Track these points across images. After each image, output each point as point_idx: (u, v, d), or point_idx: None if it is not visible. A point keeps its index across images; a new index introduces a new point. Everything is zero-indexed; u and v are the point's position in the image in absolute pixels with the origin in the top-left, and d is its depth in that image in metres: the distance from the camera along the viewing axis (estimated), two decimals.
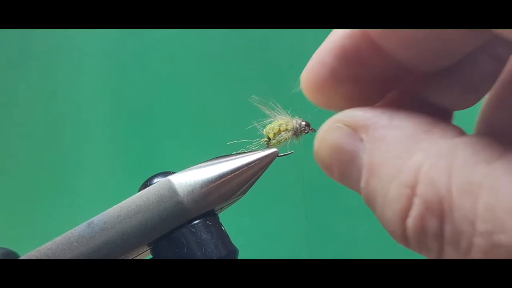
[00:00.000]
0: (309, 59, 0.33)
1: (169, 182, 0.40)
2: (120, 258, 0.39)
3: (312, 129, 0.50)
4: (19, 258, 0.39)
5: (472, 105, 0.35)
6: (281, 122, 0.50)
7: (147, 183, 0.41)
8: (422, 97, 0.34)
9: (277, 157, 0.44)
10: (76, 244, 0.38)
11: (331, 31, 0.32)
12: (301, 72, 0.34)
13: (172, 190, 0.40)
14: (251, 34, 1.10)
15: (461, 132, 0.28)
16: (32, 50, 1.18)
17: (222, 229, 0.42)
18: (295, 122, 0.50)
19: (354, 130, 0.30)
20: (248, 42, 1.11)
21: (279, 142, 0.50)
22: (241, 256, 0.43)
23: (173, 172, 0.42)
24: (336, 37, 0.31)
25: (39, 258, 0.38)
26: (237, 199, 0.44)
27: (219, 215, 0.44)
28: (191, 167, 0.42)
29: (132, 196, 0.41)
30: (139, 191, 0.41)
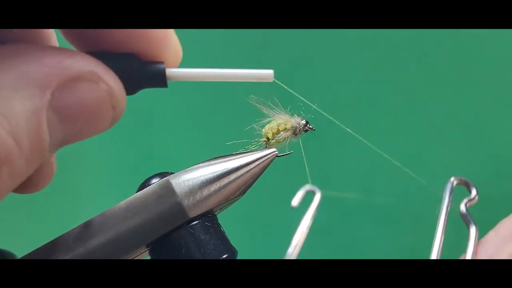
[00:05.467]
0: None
1: (168, 182, 0.40)
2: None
3: (311, 128, 0.50)
4: (16, 259, 0.39)
5: None
6: (280, 122, 0.49)
7: (145, 184, 0.41)
8: None
9: (276, 157, 0.44)
10: (74, 245, 0.38)
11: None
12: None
13: (170, 190, 0.40)
14: (251, 33, 1.10)
15: None
16: None
17: (221, 230, 0.42)
18: (294, 121, 0.50)
19: None
20: (247, 42, 1.11)
21: (278, 142, 0.50)
22: (240, 256, 0.42)
23: (172, 173, 0.42)
24: None
25: (36, 259, 0.38)
26: (236, 200, 0.43)
27: (218, 215, 0.44)
28: (190, 168, 0.41)
29: (130, 197, 0.40)
30: (137, 191, 0.41)
